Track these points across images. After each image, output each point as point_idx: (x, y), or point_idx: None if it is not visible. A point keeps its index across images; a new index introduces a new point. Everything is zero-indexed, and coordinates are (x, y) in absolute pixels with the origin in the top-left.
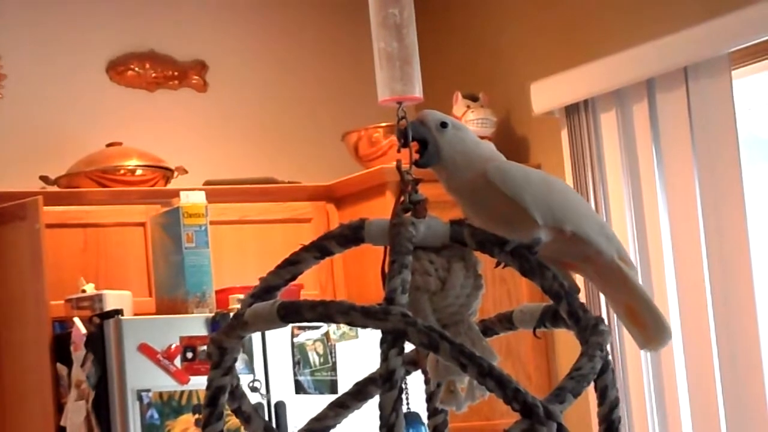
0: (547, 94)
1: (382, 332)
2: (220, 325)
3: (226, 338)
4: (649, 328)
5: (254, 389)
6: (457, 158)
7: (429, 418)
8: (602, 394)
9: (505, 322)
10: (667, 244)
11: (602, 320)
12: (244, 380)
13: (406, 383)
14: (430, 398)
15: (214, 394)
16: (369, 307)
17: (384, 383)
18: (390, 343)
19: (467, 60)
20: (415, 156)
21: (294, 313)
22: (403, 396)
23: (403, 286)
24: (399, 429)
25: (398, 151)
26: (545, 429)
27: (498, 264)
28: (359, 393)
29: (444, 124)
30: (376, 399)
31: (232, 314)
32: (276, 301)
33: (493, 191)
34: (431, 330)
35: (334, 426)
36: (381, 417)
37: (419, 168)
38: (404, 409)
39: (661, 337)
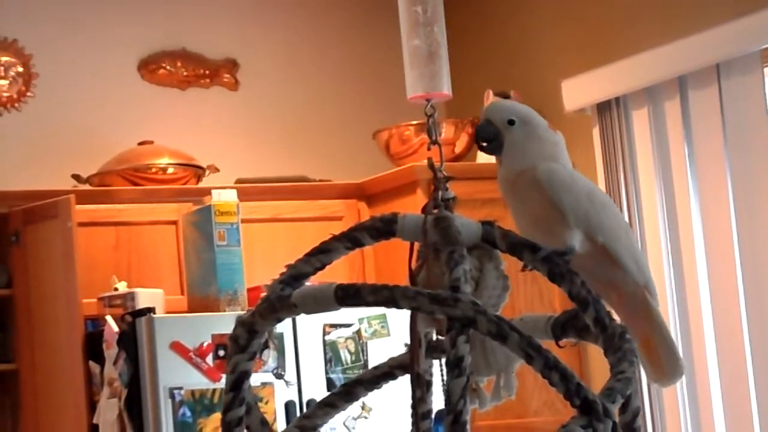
0: (579, 92)
1: (450, 319)
2: None
3: (262, 320)
4: (663, 364)
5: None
6: (515, 152)
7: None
8: (625, 402)
9: None
10: (700, 241)
11: (627, 330)
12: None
13: (431, 375)
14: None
15: (237, 378)
16: (437, 293)
17: (452, 369)
18: (458, 330)
19: (498, 57)
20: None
21: (353, 296)
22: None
23: (465, 276)
24: (466, 416)
25: (428, 148)
26: (602, 426)
27: (524, 267)
28: (347, 394)
29: (511, 122)
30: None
31: (261, 297)
32: (332, 283)
33: (535, 190)
34: (500, 319)
35: (321, 425)
36: (448, 403)
37: (485, 152)
38: (430, 404)
39: (673, 374)
